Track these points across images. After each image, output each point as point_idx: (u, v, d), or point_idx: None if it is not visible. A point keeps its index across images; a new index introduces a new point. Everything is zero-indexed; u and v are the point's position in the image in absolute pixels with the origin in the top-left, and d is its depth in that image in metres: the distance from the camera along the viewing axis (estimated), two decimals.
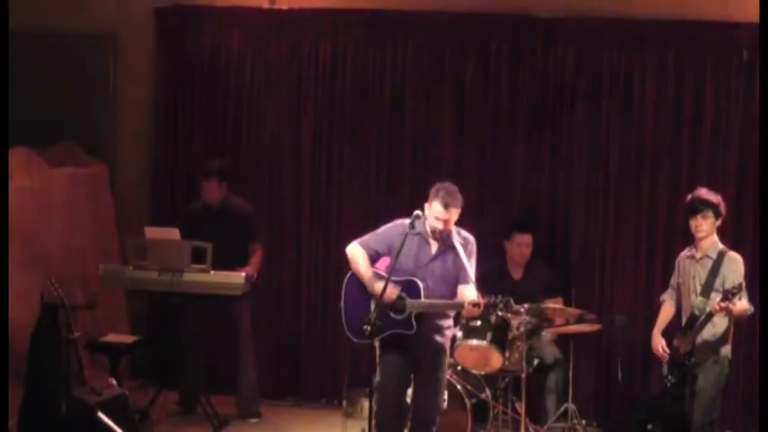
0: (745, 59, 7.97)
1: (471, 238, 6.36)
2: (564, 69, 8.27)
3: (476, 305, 6.14)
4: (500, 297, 6.11)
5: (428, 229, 6.26)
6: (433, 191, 6.22)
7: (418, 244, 6.24)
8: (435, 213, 6.18)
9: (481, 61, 8.36)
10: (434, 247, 6.29)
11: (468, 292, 6.21)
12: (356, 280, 6.34)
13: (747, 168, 7.97)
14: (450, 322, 6.44)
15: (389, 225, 6.39)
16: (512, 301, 6.10)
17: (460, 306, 6.23)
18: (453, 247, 6.25)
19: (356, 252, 6.34)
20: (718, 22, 8.01)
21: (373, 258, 6.37)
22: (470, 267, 6.25)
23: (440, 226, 6.19)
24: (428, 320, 6.25)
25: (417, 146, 8.42)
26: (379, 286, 6.14)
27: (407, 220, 6.19)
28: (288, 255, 8.56)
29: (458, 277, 6.27)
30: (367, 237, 6.40)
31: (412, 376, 6.38)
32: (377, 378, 6.30)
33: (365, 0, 8.46)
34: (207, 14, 8.59)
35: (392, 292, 6.13)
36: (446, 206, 6.16)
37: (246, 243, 7.91)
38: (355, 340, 6.29)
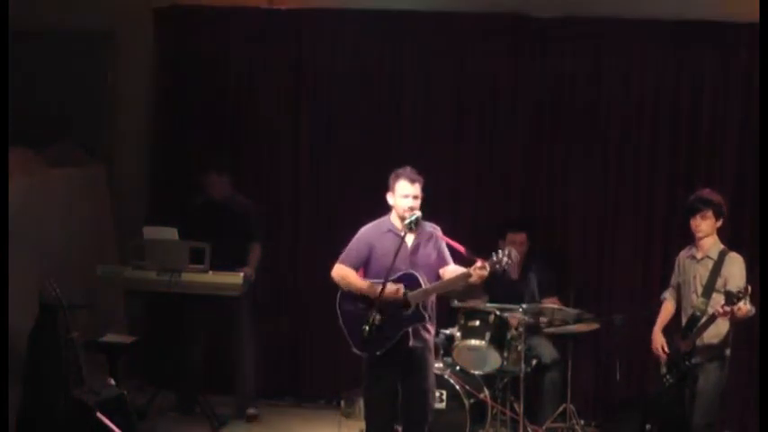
0: (744, 59, 7.98)
1: (437, 226, 6.36)
2: (563, 69, 8.27)
3: (481, 267, 6.01)
4: (500, 252, 6.03)
5: (397, 223, 6.23)
6: (392, 177, 6.26)
7: (393, 240, 6.21)
8: (403, 192, 6.20)
9: (481, 61, 8.36)
10: (410, 239, 6.26)
11: (454, 270, 6.21)
12: (348, 297, 6.29)
13: (746, 168, 7.97)
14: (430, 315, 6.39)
15: (360, 231, 6.38)
16: (514, 252, 6.04)
17: (466, 276, 6.09)
18: (430, 236, 6.25)
19: (344, 271, 6.32)
20: (719, 22, 8.00)
21: (360, 269, 6.35)
22: (447, 251, 6.28)
23: (409, 203, 6.18)
24: None
25: (417, 146, 8.40)
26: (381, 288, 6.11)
27: (375, 221, 6.29)
28: (286, 254, 8.55)
29: (440, 264, 6.27)
30: (344, 253, 6.37)
31: (400, 380, 6.30)
32: (363, 390, 6.31)
33: (364, 0, 8.46)
34: (206, 14, 8.59)
35: (398, 288, 6.09)
36: (412, 181, 6.20)
37: (247, 242, 7.90)
38: (365, 355, 6.22)
